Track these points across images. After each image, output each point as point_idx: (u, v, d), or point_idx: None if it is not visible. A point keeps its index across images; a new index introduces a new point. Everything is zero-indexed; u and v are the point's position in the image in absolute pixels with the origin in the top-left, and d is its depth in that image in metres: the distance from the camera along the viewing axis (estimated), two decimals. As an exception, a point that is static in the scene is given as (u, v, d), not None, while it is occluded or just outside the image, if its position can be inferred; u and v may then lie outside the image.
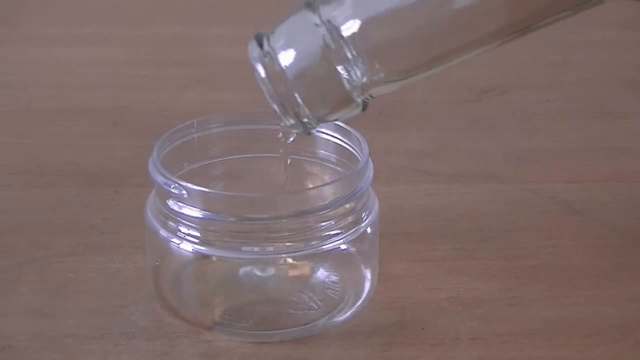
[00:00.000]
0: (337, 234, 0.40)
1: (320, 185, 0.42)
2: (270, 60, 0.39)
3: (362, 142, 0.42)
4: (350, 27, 0.38)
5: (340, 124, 0.43)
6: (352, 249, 0.43)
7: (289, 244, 0.40)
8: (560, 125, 0.60)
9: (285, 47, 0.38)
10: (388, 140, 0.58)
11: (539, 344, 0.41)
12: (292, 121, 0.40)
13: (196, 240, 0.40)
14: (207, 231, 0.40)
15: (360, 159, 0.42)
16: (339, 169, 0.44)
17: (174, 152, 0.43)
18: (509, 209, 0.50)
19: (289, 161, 0.43)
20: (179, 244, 0.40)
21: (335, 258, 0.43)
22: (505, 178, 0.54)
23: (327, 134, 0.44)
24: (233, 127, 0.45)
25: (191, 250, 0.40)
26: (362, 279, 0.43)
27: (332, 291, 0.43)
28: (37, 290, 0.44)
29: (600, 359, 0.40)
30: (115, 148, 0.57)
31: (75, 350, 0.40)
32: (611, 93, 0.65)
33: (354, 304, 0.42)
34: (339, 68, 0.38)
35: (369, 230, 0.41)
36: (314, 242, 0.40)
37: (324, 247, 0.40)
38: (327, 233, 0.40)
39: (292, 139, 0.42)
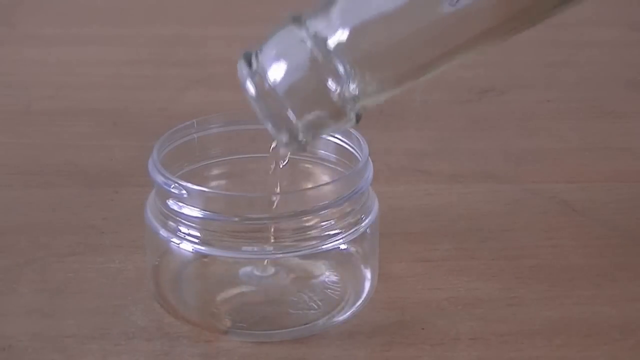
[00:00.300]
0: (337, 233, 0.40)
1: (320, 185, 0.42)
2: (260, 79, 0.38)
3: (362, 142, 0.42)
4: (337, 39, 0.37)
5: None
6: (352, 249, 0.43)
7: (288, 243, 0.40)
8: (560, 125, 0.60)
9: (273, 64, 0.38)
10: (388, 140, 0.58)
11: (539, 344, 0.41)
12: (286, 138, 0.39)
13: (196, 240, 0.40)
14: (207, 231, 0.40)
15: (360, 159, 0.42)
16: (338, 169, 0.44)
17: (174, 152, 0.43)
18: (509, 209, 0.50)
19: (280, 165, 0.43)
20: (179, 244, 0.40)
21: (335, 258, 0.43)
22: (505, 178, 0.54)
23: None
24: (233, 127, 0.45)
25: (191, 250, 0.40)
26: (362, 278, 0.43)
27: (332, 291, 0.43)
28: (37, 290, 0.44)
29: (600, 359, 0.40)
30: (115, 148, 0.57)
31: (75, 350, 0.40)
32: (611, 93, 0.65)
33: (354, 303, 0.42)
34: (329, 81, 0.37)
35: (368, 230, 0.41)
36: (314, 242, 0.40)
37: (323, 247, 0.40)
38: (327, 233, 0.40)
39: (285, 162, 0.42)
